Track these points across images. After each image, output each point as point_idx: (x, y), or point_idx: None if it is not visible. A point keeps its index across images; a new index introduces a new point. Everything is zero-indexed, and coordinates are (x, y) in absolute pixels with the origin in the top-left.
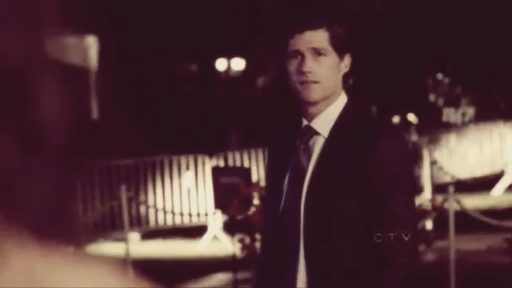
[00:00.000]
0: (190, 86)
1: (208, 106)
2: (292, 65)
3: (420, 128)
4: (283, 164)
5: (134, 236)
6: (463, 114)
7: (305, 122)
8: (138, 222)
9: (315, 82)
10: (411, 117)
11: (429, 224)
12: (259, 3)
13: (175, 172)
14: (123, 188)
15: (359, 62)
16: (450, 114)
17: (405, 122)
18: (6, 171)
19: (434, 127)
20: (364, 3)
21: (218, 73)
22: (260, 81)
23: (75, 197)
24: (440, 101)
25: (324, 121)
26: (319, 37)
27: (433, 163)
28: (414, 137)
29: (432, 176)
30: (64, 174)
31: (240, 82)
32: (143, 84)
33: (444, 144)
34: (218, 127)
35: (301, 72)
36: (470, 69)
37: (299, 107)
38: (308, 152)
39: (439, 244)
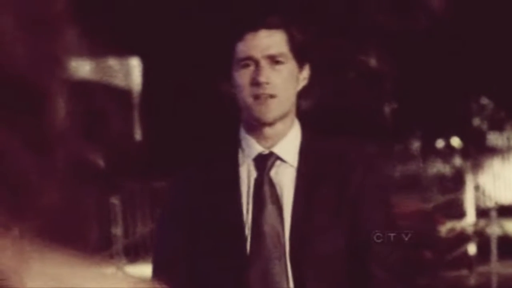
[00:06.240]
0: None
1: None
2: (244, 76)
3: (464, 153)
4: (213, 198)
5: None
6: (508, 139)
7: (259, 148)
8: None
9: (272, 96)
10: (455, 142)
11: (471, 249)
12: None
13: None
14: None
15: (402, 85)
16: (494, 139)
17: (449, 146)
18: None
19: (478, 152)
20: (405, 21)
21: None
22: None
23: (109, 217)
24: (484, 126)
25: (289, 147)
26: (276, 40)
27: (476, 187)
28: (457, 162)
29: (475, 201)
30: (102, 194)
31: None
32: (186, 104)
33: (488, 168)
34: None
35: (256, 83)
36: None
37: (240, 128)
38: (275, 185)
39: (481, 269)
